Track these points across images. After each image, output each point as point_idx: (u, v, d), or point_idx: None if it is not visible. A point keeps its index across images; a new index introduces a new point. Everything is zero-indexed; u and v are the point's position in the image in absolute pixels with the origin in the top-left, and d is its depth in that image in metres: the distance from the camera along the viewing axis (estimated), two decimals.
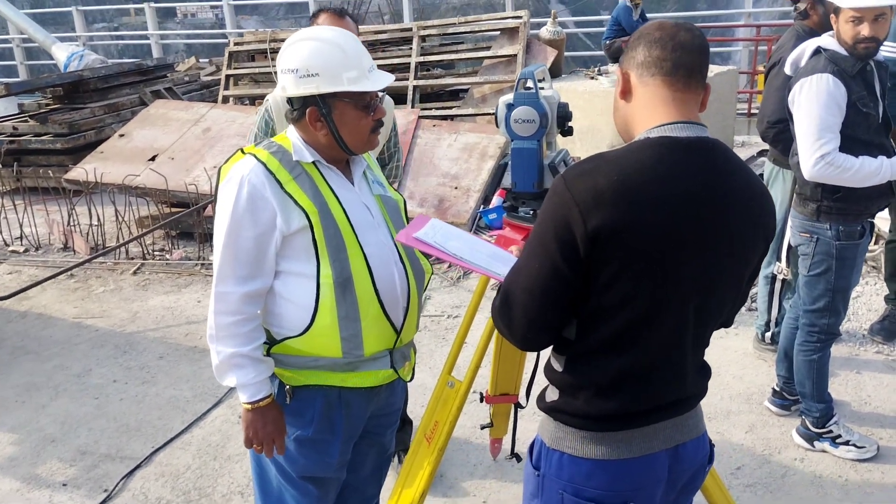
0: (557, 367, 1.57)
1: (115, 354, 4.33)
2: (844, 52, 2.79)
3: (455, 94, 7.95)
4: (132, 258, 5.75)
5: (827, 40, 2.84)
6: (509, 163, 2.01)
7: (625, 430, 1.52)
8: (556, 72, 7.04)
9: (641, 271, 1.40)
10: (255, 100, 8.15)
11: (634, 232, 1.37)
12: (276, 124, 2.87)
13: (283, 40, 8.18)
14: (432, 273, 2.12)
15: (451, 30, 7.42)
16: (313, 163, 1.91)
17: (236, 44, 8.38)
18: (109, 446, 3.45)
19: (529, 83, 1.95)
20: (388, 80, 1.93)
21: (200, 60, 11.59)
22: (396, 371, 2.03)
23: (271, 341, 1.94)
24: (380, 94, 1.96)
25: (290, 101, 1.91)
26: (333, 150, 1.92)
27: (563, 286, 1.43)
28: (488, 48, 7.24)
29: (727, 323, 1.66)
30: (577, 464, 1.54)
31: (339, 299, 1.86)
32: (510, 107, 1.97)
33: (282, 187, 1.85)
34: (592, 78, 6.83)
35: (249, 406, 1.90)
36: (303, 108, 1.87)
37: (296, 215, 1.84)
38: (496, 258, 1.75)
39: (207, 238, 5.75)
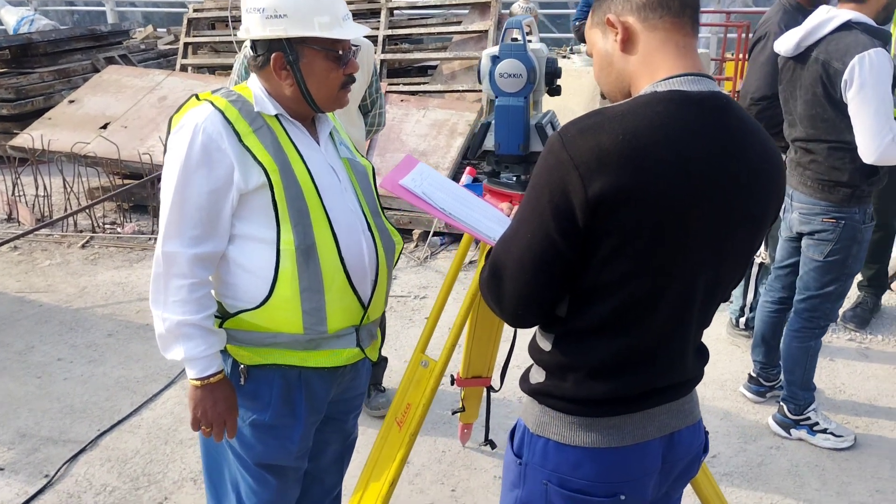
0: (545, 346, 1.41)
1: (60, 331, 4.07)
2: (875, 25, 2.66)
3: (423, 70, 7.73)
4: (81, 231, 5.46)
5: (853, 14, 2.69)
6: (492, 122, 1.84)
7: (617, 416, 1.38)
8: None
9: (647, 244, 1.24)
10: (214, 69, 7.83)
11: (641, 199, 1.21)
12: None
13: None
14: (403, 246, 1.95)
15: (420, 3, 7.20)
16: (276, 116, 1.73)
17: (196, 10, 8.03)
18: (52, 429, 3.22)
19: (517, 34, 1.77)
20: (363, 30, 1.76)
21: (158, 30, 11.16)
22: (363, 350, 1.86)
23: (224, 315, 1.76)
24: (354, 47, 1.78)
25: (254, 45, 1.72)
26: (298, 104, 1.74)
27: (558, 259, 1.26)
28: (458, 23, 7.03)
29: (725, 298, 1.53)
30: (563, 452, 1.39)
31: (302, 268, 1.69)
32: (495, 59, 1.80)
33: (240, 139, 1.66)
34: (565, 57, 6.69)
35: (199, 382, 1.72)
36: (268, 54, 1.69)
37: (255, 172, 1.66)
38: (487, 216, 1.58)
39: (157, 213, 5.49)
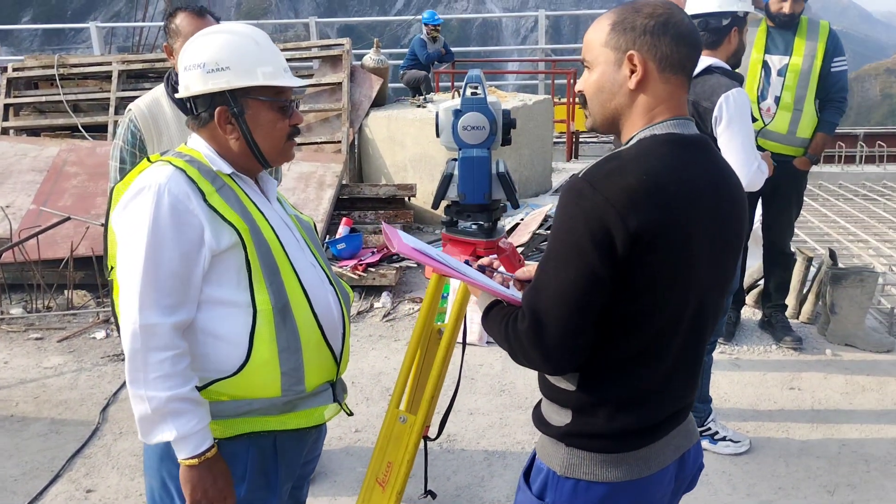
0: (567, 385, 1.44)
1: None
2: (730, 69, 2.99)
3: None
4: None
5: (712, 60, 3.00)
6: (455, 173, 1.88)
7: (644, 448, 1.45)
8: (381, 100, 6.99)
9: (672, 273, 1.34)
10: (40, 132, 7.24)
11: (668, 234, 1.31)
12: (145, 135, 2.55)
13: (74, 65, 7.44)
14: (354, 295, 1.94)
15: None
16: (230, 175, 1.69)
17: (16, 70, 7.41)
18: None
19: (478, 89, 1.84)
20: (305, 81, 1.77)
21: None
22: (340, 404, 1.83)
23: None
24: (295, 99, 1.79)
25: (192, 103, 1.68)
26: (246, 159, 1.71)
27: (603, 294, 1.32)
28: (310, 76, 7.02)
29: (717, 322, 1.66)
30: (593, 489, 1.44)
31: (279, 328, 1.64)
32: (457, 113, 1.85)
33: (205, 199, 1.60)
34: (420, 106, 6.87)
35: (196, 461, 1.60)
36: (211, 109, 1.66)
37: (225, 232, 1.61)
38: (486, 278, 1.60)
39: (4, 289, 4.97)
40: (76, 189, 5.51)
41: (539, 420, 1.52)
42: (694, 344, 1.46)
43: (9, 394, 3.91)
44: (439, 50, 9.69)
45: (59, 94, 7.20)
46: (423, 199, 6.20)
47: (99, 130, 7.05)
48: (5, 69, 7.60)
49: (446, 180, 1.89)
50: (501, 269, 1.71)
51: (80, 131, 7.03)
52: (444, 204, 1.93)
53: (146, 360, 1.55)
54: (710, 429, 3.31)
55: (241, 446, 1.70)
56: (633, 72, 1.38)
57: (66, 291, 4.97)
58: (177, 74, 1.83)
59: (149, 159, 1.69)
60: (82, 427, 3.56)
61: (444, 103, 1.90)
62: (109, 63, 7.30)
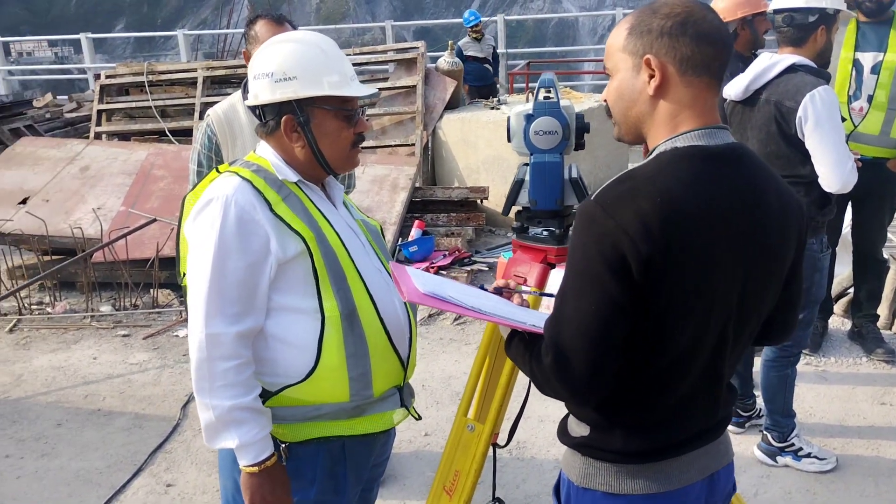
0: None
1: (1, 425, 3.74)
2: (816, 67, 2.86)
3: None
4: (5, 314, 5.08)
5: (796, 58, 2.88)
6: (526, 179, 1.85)
7: (663, 461, 1.40)
8: (454, 103, 7.00)
9: (690, 296, 1.28)
10: (131, 136, 7.57)
11: (684, 257, 1.25)
12: (220, 140, 2.62)
13: (161, 72, 7.74)
14: None
15: None
16: (297, 182, 1.72)
17: (108, 77, 7.77)
18: None
19: (551, 92, 1.81)
20: (371, 89, 1.77)
21: (58, 97, 10.72)
22: (408, 408, 1.84)
23: (264, 394, 1.68)
24: (362, 107, 1.79)
25: (262, 112, 1.71)
26: (312, 166, 1.73)
27: (624, 320, 1.27)
28: (386, 79, 7.11)
29: (784, 337, 1.58)
30: (613, 500, 1.40)
31: (347, 334, 1.66)
32: (529, 118, 1.82)
33: (271, 209, 1.63)
34: (493, 108, 6.84)
35: (256, 468, 1.63)
36: (278, 118, 1.68)
37: (291, 240, 1.63)
38: (504, 304, 1.57)
39: (95, 287, 5.20)
40: (162, 191, 5.73)
41: (561, 431, 1.50)
42: (718, 365, 1.39)
43: (97, 388, 4.09)
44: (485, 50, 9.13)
45: (148, 100, 7.50)
46: (495, 201, 6.18)
47: (184, 134, 7.32)
48: (98, 76, 8.00)
49: (517, 186, 1.86)
50: (522, 287, 1.68)
51: (167, 135, 7.32)
52: (515, 209, 1.91)
53: (211, 370, 1.58)
54: (793, 444, 3.16)
55: (310, 450, 1.72)
56: (651, 76, 1.30)
57: (151, 290, 5.17)
58: None
59: (217, 170, 1.74)
60: (164, 422, 3.69)
61: (516, 107, 1.86)
62: (194, 70, 7.57)
